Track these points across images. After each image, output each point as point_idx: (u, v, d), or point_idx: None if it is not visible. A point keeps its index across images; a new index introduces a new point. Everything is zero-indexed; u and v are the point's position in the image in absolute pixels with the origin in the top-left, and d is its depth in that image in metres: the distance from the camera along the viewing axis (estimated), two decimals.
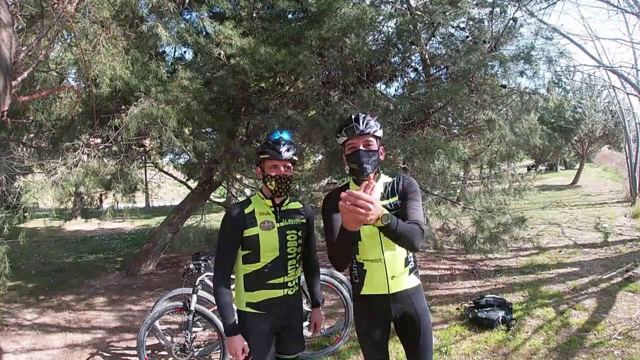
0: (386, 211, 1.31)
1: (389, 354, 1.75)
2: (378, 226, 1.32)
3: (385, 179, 1.71)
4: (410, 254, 1.68)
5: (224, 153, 4.97)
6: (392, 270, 1.62)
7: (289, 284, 1.79)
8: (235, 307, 1.80)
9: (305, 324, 3.14)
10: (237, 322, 1.75)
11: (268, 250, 1.74)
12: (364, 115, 1.63)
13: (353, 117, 1.63)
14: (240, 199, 6.44)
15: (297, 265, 1.84)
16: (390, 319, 1.67)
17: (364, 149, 1.60)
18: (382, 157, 1.67)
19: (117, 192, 4.78)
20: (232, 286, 1.81)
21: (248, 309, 1.76)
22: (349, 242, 1.43)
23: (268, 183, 1.77)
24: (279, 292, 1.77)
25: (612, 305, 3.76)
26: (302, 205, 1.92)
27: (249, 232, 1.74)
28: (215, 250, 1.81)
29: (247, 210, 1.77)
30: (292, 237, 1.79)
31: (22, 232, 4.10)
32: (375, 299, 1.65)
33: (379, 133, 1.64)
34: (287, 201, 1.87)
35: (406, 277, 1.64)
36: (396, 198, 1.64)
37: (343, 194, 1.24)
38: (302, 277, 2.14)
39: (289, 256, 1.78)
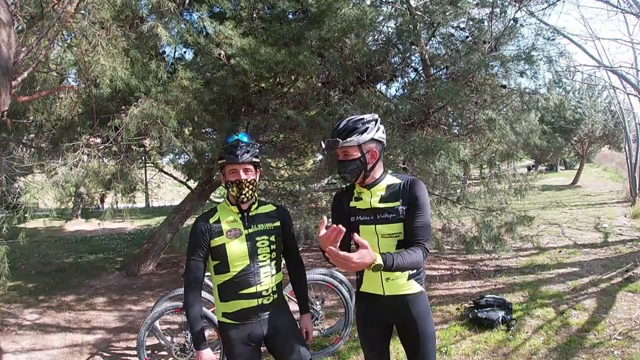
0: (379, 261, 1.33)
1: (389, 355, 1.74)
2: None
3: (390, 180, 1.62)
4: None
5: None
6: (387, 272, 1.57)
7: (264, 293, 1.69)
8: (215, 318, 1.77)
9: None
10: (204, 334, 1.69)
11: (236, 259, 1.66)
12: (344, 124, 1.57)
13: (334, 127, 1.61)
14: None
15: (274, 273, 1.74)
16: (389, 320, 1.67)
17: (341, 159, 1.60)
18: (372, 160, 1.57)
19: (117, 192, 4.78)
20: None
21: (224, 320, 1.71)
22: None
23: (230, 189, 1.68)
24: (253, 302, 1.68)
25: (612, 306, 3.76)
26: (275, 208, 1.82)
27: (215, 242, 1.67)
28: None
29: (212, 220, 1.69)
30: (262, 244, 1.70)
31: (22, 232, 4.09)
32: (372, 298, 1.64)
33: (356, 141, 1.53)
34: (255, 206, 1.77)
35: (404, 282, 1.59)
36: (398, 203, 1.55)
37: (328, 249, 1.27)
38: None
39: (261, 264, 1.69)
